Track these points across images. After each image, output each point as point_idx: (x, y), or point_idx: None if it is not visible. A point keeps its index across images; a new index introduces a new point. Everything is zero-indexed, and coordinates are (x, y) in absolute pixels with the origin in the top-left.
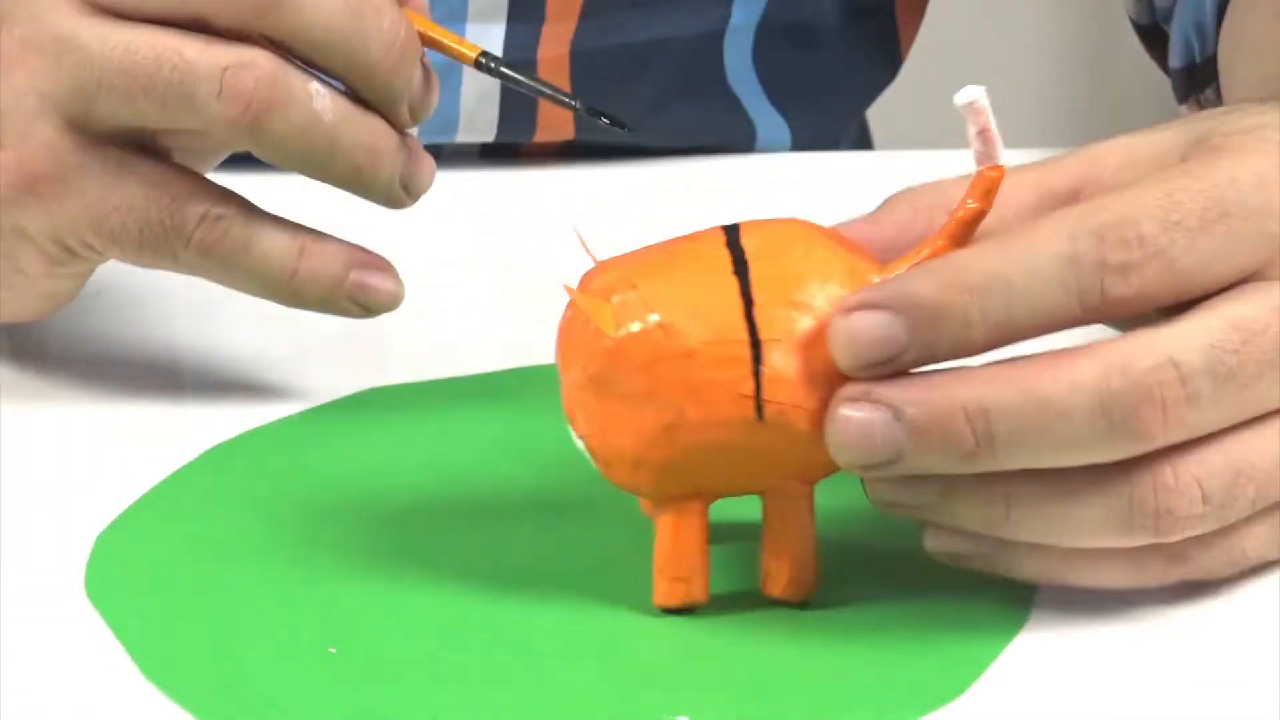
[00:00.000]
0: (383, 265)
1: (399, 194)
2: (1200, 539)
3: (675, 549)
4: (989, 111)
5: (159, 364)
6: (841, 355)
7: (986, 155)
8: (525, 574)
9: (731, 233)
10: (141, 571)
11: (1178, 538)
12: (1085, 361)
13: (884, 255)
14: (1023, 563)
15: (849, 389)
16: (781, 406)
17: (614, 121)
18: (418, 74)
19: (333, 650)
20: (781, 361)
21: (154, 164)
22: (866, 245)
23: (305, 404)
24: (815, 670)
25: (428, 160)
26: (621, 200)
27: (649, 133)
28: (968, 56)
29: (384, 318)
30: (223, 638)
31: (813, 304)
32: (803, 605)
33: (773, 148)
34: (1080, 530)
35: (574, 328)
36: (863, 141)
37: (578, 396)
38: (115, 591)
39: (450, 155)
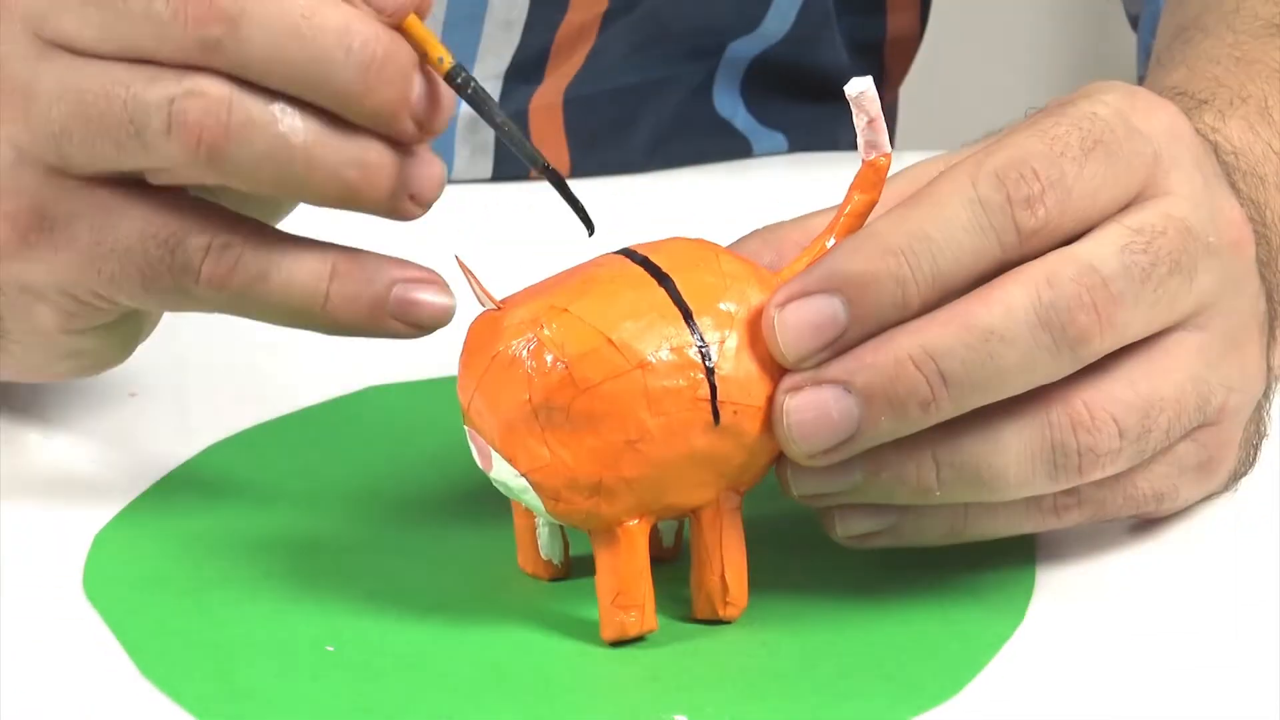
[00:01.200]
0: (429, 278)
1: (405, 206)
2: (1099, 480)
3: (627, 575)
4: (877, 101)
5: (158, 362)
6: (785, 348)
7: (875, 144)
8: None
9: (633, 255)
10: (140, 570)
11: (1099, 476)
12: (1013, 284)
13: None
14: (932, 526)
15: (791, 379)
16: (737, 407)
17: (570, 202)
18: (413, 87)
19: (330, 649)
20: (730, 364)
21: (152, 199)
22: None
23: (305, 403)
24: (812, 669)
25: (437, 167)
26: (624, 209)
27: (646, 171)
28: (967, 59)
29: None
30: (220, 636)
31: (744, 303)
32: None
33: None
34: (1009, 483)
35: (499, 368)
36: None
37: (519, 432)
38: (113, 590)
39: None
